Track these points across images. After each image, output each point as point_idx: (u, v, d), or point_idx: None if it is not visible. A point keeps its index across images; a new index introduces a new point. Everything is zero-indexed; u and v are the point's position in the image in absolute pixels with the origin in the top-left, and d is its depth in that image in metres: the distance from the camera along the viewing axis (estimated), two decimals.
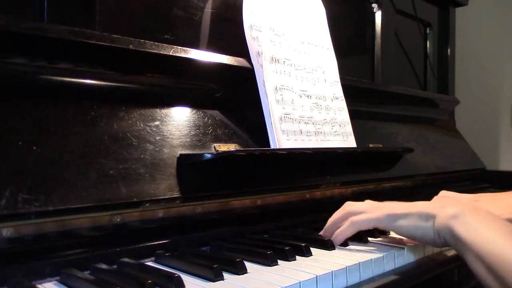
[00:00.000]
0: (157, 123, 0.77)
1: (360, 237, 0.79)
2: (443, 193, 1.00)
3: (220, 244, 0.76)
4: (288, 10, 1.04)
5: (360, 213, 0.76)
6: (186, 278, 0.58)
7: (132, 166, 0.69)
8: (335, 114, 1.06)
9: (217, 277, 0.58)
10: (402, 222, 0.71)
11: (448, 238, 0.66)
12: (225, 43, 0.97)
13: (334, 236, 0.76)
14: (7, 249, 0.56)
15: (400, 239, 0.80)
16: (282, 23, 1.00)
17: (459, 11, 1.85)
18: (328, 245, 0.75)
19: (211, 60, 0.87)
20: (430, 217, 0.69)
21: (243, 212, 0.83)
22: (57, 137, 0.64)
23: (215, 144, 0.82)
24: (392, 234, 0.82)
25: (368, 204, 0.78)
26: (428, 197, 1.01)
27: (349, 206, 0.79)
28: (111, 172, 0.66)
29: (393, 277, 0.69)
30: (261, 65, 0.92)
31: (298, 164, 0.95)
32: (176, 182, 0.72)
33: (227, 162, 0.80)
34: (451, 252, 0.80)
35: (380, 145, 1.21)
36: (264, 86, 0.91)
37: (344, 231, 0.75)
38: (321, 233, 0.80)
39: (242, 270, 0.61)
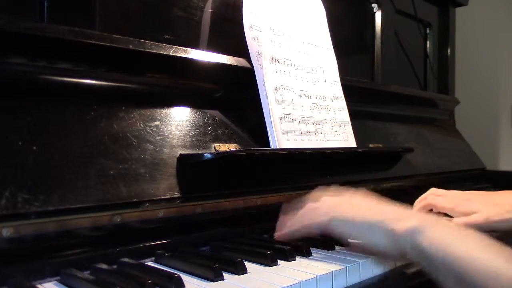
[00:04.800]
0: (157, 123, 0.77)
1: None
2: (432, 190, 0.99)
3: (220, 244, 0.76)
4: (288, 10, 1.03)
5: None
6: (186, 278, 0.58)
7: (132, 166, 0.69)
8: (335, 114, 1.06)
9: (217, 277, 0.58)
10: (352, 230, 0.66)
11: (409, 251, 0.60)
12: (225, 43, 0.97)
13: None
14: (7, 249, 0.56)
15: None
16: (282, 23, 1.00)
17: (459, 11, 1.85)
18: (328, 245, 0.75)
19: (211, 60, 0.87)
20: (384, 227, 0.62)
21: (243, 212, 0.83)
22: (57, 137, 0.64)
23: (215, 144, 0.82)
24: None
25: (322, 202, 0.72)
26: None
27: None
28: (111, 172, 0.66)
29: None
30: (261, 65, 0.92)
31: (298, 164, 0.94)
32: (176, 182, 0.72)
33: (227, 162, 0.80)
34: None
35: (380, 145, 1.21)
36: (264, 86, 0.91)
37: (284, 235, 0.74)
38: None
39: (242, 270, 0.61)
